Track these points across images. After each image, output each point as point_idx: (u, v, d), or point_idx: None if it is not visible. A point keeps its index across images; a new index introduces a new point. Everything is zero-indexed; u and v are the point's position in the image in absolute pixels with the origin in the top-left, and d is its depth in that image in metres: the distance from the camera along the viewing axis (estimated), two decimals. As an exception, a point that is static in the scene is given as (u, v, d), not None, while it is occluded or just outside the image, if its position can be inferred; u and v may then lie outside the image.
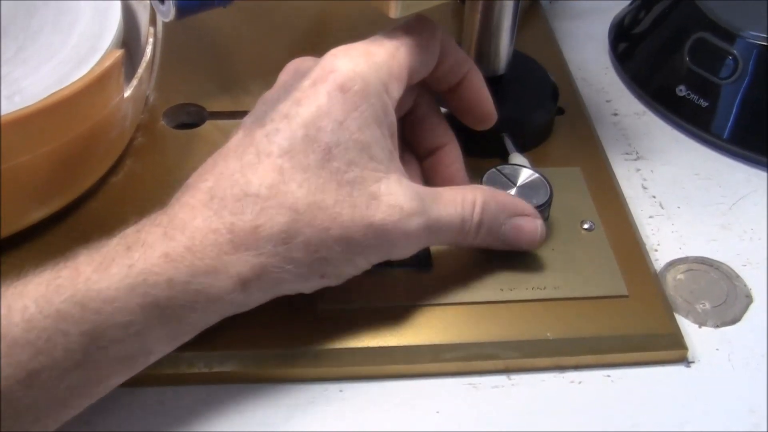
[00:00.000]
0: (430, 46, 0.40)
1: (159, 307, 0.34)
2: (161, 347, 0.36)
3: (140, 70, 0.46)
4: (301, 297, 0.41)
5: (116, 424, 0.38)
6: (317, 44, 0.59)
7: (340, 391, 0.40)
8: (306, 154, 0.36)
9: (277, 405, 0.39)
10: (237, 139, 0.38)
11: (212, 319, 0.37)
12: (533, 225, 0.42)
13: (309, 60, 0.40)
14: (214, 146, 0.39)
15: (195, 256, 0.34)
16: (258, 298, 0.37)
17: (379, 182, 0.37)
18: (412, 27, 0.40)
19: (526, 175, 0.45)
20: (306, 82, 0.37)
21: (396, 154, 0.39)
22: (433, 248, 0.44)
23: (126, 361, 0.35)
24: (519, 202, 0.43)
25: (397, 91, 0.38)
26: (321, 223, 0.36)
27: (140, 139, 0.50)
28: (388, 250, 0.38)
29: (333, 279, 0.38)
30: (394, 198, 0.37)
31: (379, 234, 0.37)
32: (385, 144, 0.38)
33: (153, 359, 0.36)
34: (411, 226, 0.38)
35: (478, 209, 0.40)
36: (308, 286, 0.38)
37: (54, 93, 0.40)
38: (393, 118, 0.39)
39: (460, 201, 0.40)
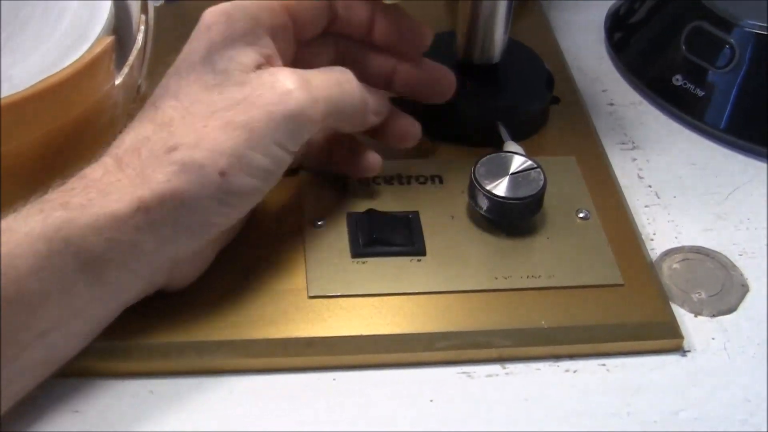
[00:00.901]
0: None
1: (60, 229, 0.34)
2: (90, 305, 0.36)
3: (131, 58, 0.46)
4: (292, 285, 0.41)
5: (106, 413, 0.37)
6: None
7: (333, 379, 0.39)
8: (178, 78, 0.39)
9: (269, 394, 0.39)
10: None
11: (129, 261, 0.36)
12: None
13: None
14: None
15: (85, 182, 0.36)
16: (167, 226, 0.36)
17: (251, 73, 0.39)
18: None
19: (519, 162, 0.44)
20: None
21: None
22: (427, 235, 0.44)
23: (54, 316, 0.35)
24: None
25: (268, 18, 0.40)
26: (200, 122, 0.37)
27: (132, 128, 0.49)
28: (289, 123, 0.38)
29: (242, 175, 0.37)
30: (268, 74, 0.38)
31: (266, 111, 0.37)
32: (259, 60, 0.39)
33: (85, 322, 0.36)
34: (291, 84, 0.38)
35: (351, 75, 0.42)
36: (220, 197, 0.37)
37: (43, 79, 0.40)
38: (267, 42, 0.40)
39: (330, 69, 0.42)
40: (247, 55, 0.39)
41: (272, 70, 0.39)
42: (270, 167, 0.38)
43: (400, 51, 0.45)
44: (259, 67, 0.39)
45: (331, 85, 0.40)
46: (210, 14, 0.40)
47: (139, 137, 0.38)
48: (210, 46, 0.39)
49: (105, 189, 0.36)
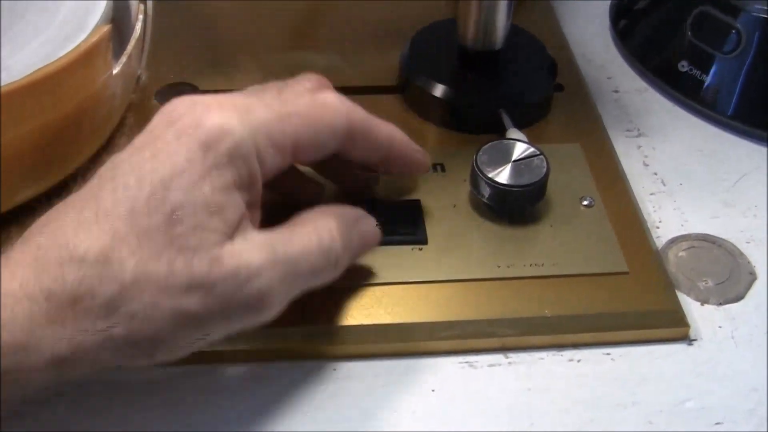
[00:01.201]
0: (331, 126, 0.37)
1: None
2: None
3: (129, 47, 0.45)
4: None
5: (102, 406, 0.37)
6: (311, 22, 0.59)
7: (334, 369, 0.39)
8: (149, 215, 0.32)
9: (269, 384, 0.38)
10: (87, 187, 0.34)
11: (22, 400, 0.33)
12: (370, 224, 0.40)
13: (186, 101, 0.35)
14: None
15: (5, 328, 0.30)
16: (75, 376, 0.33)
17: (222, 246, 0.33)
18: (315, 99, 0.37)
19: (521, 149, 0.44)
20: (170, 133, 0.34)
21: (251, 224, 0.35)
22: (429, 223, 0.43)
23: None
24: (351, 210, 0.39)
25: (272, 161, 0.35)
26: (150, 297, 0.32)
27: (131, 119, 0.49)
28: (243, 317, 0.34)
29: (168, 357, 0.34)
30: (236, 259, 0.33)
31: (222, 303, 0.33)
32: (243, 213, 0.34)
33: None
34: (263, 283, 0.33)
35: (335, 233, 0.36)
36: (139, 364, 0.34)
37: (40, 69, 0.40)
38: (259, 188, 0.35)
39: (314, 229, 0.36)
40: (233, 209, 0.33)
41: (248, 255, 0.33)
42: (198, 348, 0.34)
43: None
44: (239, 224, 0.33)
45: (311, 278, 0.36)
46: (215, 131, 0.33)
47: (84, 283, 0.31)
48: (199, 179, 0.33)
49: (28, 345, 0.31)
